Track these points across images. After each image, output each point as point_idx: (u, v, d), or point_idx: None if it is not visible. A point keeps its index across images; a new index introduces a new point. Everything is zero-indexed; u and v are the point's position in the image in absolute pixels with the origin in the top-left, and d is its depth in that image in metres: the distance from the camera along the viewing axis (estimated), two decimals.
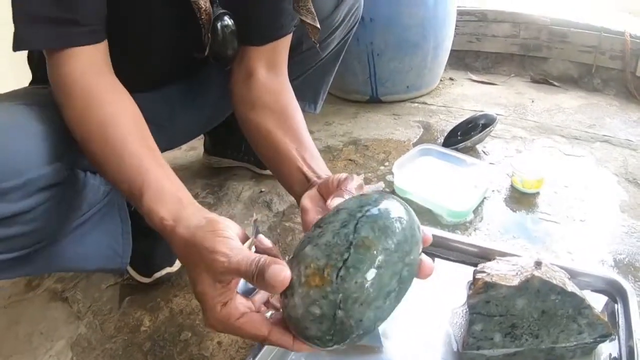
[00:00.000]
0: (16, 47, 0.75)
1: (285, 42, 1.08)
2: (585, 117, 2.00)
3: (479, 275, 0.86)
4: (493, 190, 1.45)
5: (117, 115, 0.77)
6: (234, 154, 1.70)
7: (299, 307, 0.54)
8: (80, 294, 1.28)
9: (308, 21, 1.03)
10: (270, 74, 1.06)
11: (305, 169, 0.89)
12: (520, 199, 1.42)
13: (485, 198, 1.40)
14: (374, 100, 2.18)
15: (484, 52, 2.66)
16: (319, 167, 0.90)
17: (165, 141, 1.19)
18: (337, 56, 1.45)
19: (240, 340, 1.07)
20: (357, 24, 1.43)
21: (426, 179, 1.43)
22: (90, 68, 0.78)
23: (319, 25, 1.04)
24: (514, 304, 0.82)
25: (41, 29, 0.73)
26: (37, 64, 1.06)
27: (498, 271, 0.86)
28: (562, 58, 2.49)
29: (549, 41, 2.51)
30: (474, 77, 2.49)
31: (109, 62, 0.83)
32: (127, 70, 0.90)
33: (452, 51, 2.33)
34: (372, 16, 1.94)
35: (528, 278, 0.81)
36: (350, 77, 2.13)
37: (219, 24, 0.97)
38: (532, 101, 2.16)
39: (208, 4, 0.92)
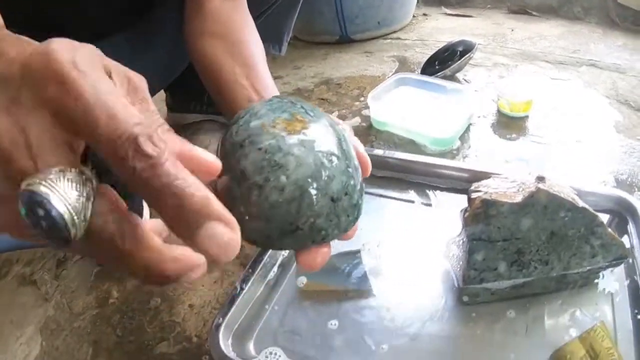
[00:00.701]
0: None
1: None
2: (568, 43, 1.89)
3: (474, 195, 0.74)
4: (478, 117, 1.34)
5: None
6: (197, 107, 1.56)
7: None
8: (48, 274, 1.17)
9: None
10: (225, 1, 0.91)
11: (251, 92, 0.75)
12: (509, 123, 1.31)
13: (470, 124, 1.29)
14: (344, 40, 2.05)
15: None
16: (267, 90, 0.77)
17: None
18: None
19: (214, 300, 0.97)
20: None
21: (405, 108, 1.30)
22: None
23: None
24: (518, 225, 0.71)
25: None
26: None
27: (496, 189, 0.74)
28: None
29: None
30: (448, 11, 2.37)
31: None
32: (62, 16, 0.81)
33: None
34: None
35: (532, 192, 0.69)
36: (317, 16, 1.99)
37: None
38: (512, 30, 2.05)
39: None
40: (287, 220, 0.41)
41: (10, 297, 1.14)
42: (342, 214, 0.44)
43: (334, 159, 0.43)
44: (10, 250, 1.03)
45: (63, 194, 0.28)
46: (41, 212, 0.27)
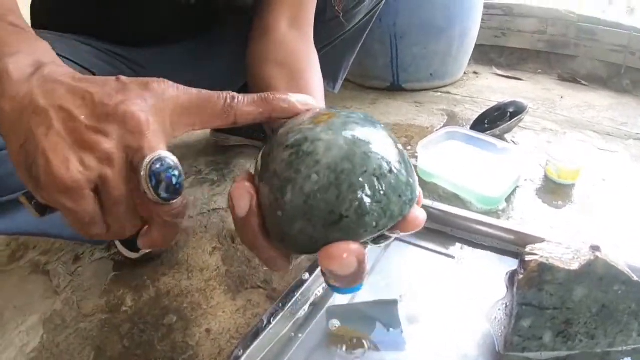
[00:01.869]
0: None
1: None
2: (616, 114, 1.89)
3: (529, 258, 0.73)
4: (525, 180, 1.33)
5: None
6: (242, 130, 1.58)
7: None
8: (63, 267, 1.18)
9: None
10: (291, 30, 0.93)
11: None
12: (556, 189, 1.30)
13: (517, 187, 1.29)
14: (395, 88, 2.08)
15: (510, 47, 2.57)
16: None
17: None
18: (361, 32, 1.34)
19: (233, 329, 0.96)
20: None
21: (453, 162, 1.31)
22: None
23: None
24: (571, 294, 0.70)
25: None
26: (38, 10, 0.99)
27: (551, 253, 0.74)
28: (590, 57, 2.41)
29: (577, 39, 2.43)
30: (499, 72, 2.39)
31: None
32: (126, 22, 0.88)
33: (476, 45, 2.24)
34: None
35: (591, 261, 0.69)
36: (370, 60, 2.03)
37: None
38: (561, 97, 2.06)
39: None
40: (328, 209, 0.38)
41: (19, 283, 1.15)
42: (392, 194, 0.39)
43: (369, 137, 0.41)
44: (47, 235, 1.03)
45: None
46: (172, 173, 0.39)
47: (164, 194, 0.39)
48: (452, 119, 1.76)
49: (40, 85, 0.41)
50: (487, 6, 2.36)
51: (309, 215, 0.38)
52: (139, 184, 0.38)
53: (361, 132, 0.41)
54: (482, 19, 2.19)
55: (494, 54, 2.57)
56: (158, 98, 0.41)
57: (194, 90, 0.44)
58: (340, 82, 1.42)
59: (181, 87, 0.43)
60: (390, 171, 0.39)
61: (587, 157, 1.47)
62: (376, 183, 0.38)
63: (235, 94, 0.45)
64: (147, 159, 0.38)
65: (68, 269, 1.17)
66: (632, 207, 1.24)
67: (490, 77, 2.31)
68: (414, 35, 1.94)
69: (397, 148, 0.42)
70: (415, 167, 1.36)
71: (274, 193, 0.40)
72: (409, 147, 1.52)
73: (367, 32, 1.36)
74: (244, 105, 0.45)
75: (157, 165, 0.38)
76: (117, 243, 1.17)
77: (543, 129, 1.69)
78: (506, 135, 1.58)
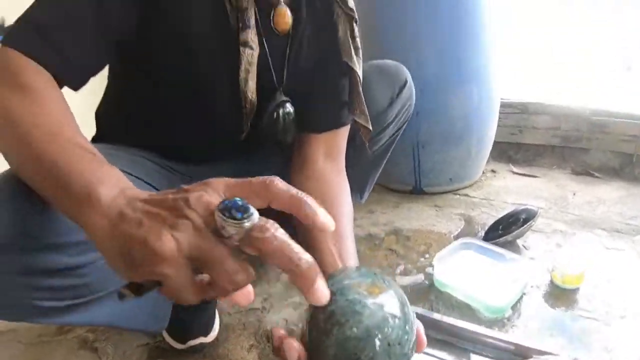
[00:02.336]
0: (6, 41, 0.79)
1: (344, 132, 1.18)
2: (626, 208, 2.02)
3: None
4: (532, 286, 1.46)
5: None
6: None
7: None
8: (111, 347, 1.31)
9: (361, 122, 1.14)
10: (327, 162, 1.15)
11: (332, 253, 0.94)
12: (560, 295, 1.43)
13: (524, 294, 1.42)
14: (417, 191, 2.23)
15: (526, 144, 2.70)
16: (348, 256, 0.96)
17: None
18: (386, 150, 1.53)
19: None
20: (409, 120, 1.52)
21: (466, 273, 1.46)
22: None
23: (370, 127, 1.15)
24: None
25: (35, 39, 0.79)
26: (102, 118, 1.17)
27: None
28: (602, 149, 2.53)
29: (589, 132, 2.55)
30: (515, 170, 2.53)
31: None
32: (178, 141, 1.06)
33: (494, 143, 2.38)
34: (418, 109, 2.02)
35: None
36: (395, 167, 2.19)
37: (280, 111, 1.08)
38: (574, 194, 2.18)
39: (254, 96, 1.02)
40: (354, 351, 0.58)
41: (66, 356, 1.27)
42: (393, 358, 0.59)
43: (396, 319, 0.61)
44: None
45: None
46: (237, 201, 0.51)
47: (237, 214, 0.50)
48: (468, 224, 1.91)
49: (126, 203, 0.55)
50: (503, 105, 2.51)
51: (342, 348, 0.59)
52: (218, 229, 0.51)
53: (393, 312, 0.62)
54: (499, 117, 2.35)
55: (511, 150, 2.72)
56: (214, 183, 0.56)
57: (241, 179, 0.59)
58: (367, 194, 1.60)
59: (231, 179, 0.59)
60: (399, 344, 0.60)
61: (593, 258, 1.60)
62: (388, 349, 0.59)
63: (276, 179, 0.58)
64: (217, 207, 0.51)
65: (116, 350, 1.30)
66: (630, 308, 1.36)
67: (507, 176, 2.45)
68: (435, 144, 2.12)
69: (411, 327, 0.63)
70: (431, 275, 1.51)
71: (326, 324, 0.60)
72: (427, 255, 1.67)
73: (391, 151, 1.55)
74: (279, 191, 0.57)
75: (224, 203, 0.51)
76: (165, 333, 1.28)
77: (553, 230, 1.82)
78: (518, 241, 1.72)
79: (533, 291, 1.45)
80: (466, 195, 2.22)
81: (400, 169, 2.20)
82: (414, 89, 1.46)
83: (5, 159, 0.70)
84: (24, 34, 0.79)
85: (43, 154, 0.64)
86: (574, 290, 1.44)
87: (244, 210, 0.50)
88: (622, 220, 1.90)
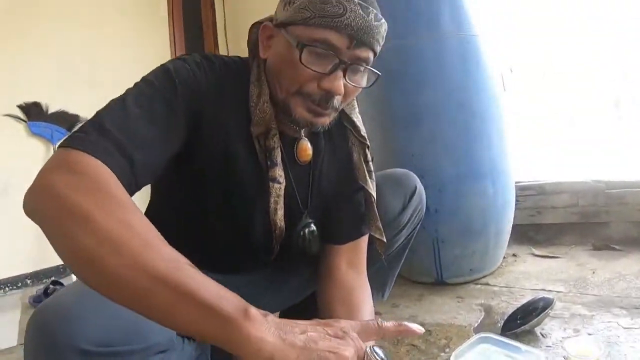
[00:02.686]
0: (70, 143, 0.82)
1: (364, 241, 1.33)
2: None
3: None
4: None
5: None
6: None
7: None
8: None
9: (377, 236, 1.29)
10: (349, 270, 1.29)
11: None
12: None
13: None
14: (439, 283, 2.30)
15: (545, 224, 2.76)
16: None
17: None
18: (403, 250, 1.63)
19: None
20: (421, 222, 1.61)
21: None
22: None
23: (385, 239, 1.30)
24: None
25: (102, 144, 0.83)
26: (157, 186, 1.26)
27: None
28: (621, 220, 2.58)
29: (606, 205, 2.61)
30: (536, 252, 2.58)
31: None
32: (216, 257, 1.15)
33: (514, 225, 2.44)
34: (437, 207, 2.14)
35: None
36: (417, 261, 2.28)
37: (306, 230, 1.24)
38: (593, 272, 2.22)
39: (283, 223, 1.17)
40: None
41: None
42: None
43: None
44: None
45: None
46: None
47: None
48: (488, 315, 1.96)
49: (274, 320, 0.70)
50: (520, 188, 2.59)
51: None
52: None
53: None
54: (517, 200, 2.44)
55: (531, 232, 2.78)
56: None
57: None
58: (388, 292, 1.70)
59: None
60: None
61: (610, 340, 1.63)
62: None
63: (379, 319, 0.80)
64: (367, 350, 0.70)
65: None
66: None
67: (527, 260, 2.51)
68: (454, 239, 2.22)
69: None
70: None
71: None
72: (447, 350, 1.71)
73: (407, 250, 1.64)
74: (389, 329, 0.79)
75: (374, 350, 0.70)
76: None
77: (572, 315, 1.85)
78: (536, 329, 1.76)
79: None
80: (487, 284, 2.28)
81: (422, 262, 2.28)
82: (424, 194, 1.58)
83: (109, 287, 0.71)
84: (103, 143, 0.84)
85: (170, 280, 0.68)
86: None
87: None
88: None
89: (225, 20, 4.49)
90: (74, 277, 2.90)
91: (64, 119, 3.23)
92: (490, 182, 2.21)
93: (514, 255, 2.57)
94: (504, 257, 2.48)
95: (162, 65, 1.03)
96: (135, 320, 0.74)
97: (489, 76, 2.21)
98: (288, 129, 1.16)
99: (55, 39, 3.28)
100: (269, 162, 1.12)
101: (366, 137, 1.27)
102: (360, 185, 1.27)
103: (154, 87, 0.98)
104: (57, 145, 0.87)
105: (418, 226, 1.61)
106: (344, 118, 1.26)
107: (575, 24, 2.80)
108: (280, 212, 1.16)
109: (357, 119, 1.27)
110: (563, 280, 2.18)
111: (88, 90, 3.29)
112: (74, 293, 0.85)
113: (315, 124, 1.09)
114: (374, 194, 1.27)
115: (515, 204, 2.43)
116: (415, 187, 1.53)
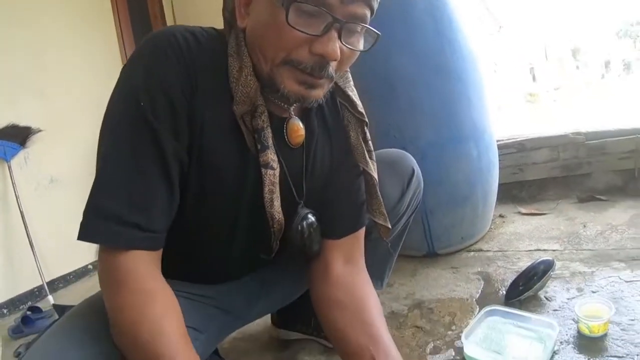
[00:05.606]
0: (81, 236, 0.86)
1: (361, 234, 1.21)
2: (639, 230, 2.05)
3: None
4: (561, 342, 1.47)
5: (165, 316, 0.88)
6: (302, 328, 1.73)
7: None
8: None
9: (380, 222, 1.17)
10: (347, 266, 1.17)
11: None
12: (590, 345, 1.43)
13: (554, 353, 1.43)
14: (431, 255, 2.26)
15: (528, 180, 2.74)
16: None
17: (241, 324, 1.37)
18: (400, 236, 1.57)
19: None
20: (419, 205, 1.55)
21: (494, 342, 1.46)
22: (142, 268, 0.89)
23: (390, 226, 1.18)
24: None
25: (108, 225, 0.85)
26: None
27: None
28: (603, 170, 2.57)
29: (588, 157, 2.60)
30: (523, 210, 2.56)
31: (159, 266, 0.94)
32: (207, 266, 1.09)
33: (497, 185, 2.40)
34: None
35: None
36: (407, 235, 2.22)
37: (304, 223, 1.10)
38: (584, 226, 2.21)
39: (281, 216, 1.04)
40: None
41: None
42: None
43: None
44: None
45: None
46: None
47: None
48: (487, 283, 1.92)
49: None
50: (500, 147, 2.55)
51: None
52: None
53: None
54: (499, 160, 2.40)
55: (515, 189, 2.76)
56: None
57: None
58: (386, 280, 1.62)
59: None
60: None
61: (615, 296, 1.60)
62: None
63: None
64: None
65: None
66: None
67: (515, 219, 2.48)
68: (442, 209, 2.17)
69: None
70: (461, 349, 1.51)
71: None
72: (453, 327, 1.67)
73: (405, 235, 1.59)
74: None
75: None
76: None
77: (572, 273, 1.83)
78: (540, 293, 1.73)
79: (563, 348, 1.45)
80: (480, 250, 2.25)
81: (412, 236, 2.22)
82: (421, 175, 1.50)
83: None
84: (103, 226, 0.86)
85: None
86: (603, 337, 1.44)
87: None
88: (636, 246, 1.92)
89: (173, 8, 4.32)
90: (50, 299, 2.81)
91: (16, 133, 2.99)
92: (474, 144, 2.15)
93: (500, 216, 2.54)
94: (492, 220, 2.44)
95: (130, 96, 0.90)
96: None
97: (464, 36, 2.13)
98: (275, 108, 1.01)
99: None
100: (259, 146, 0.97)
101: (364, 113, 1.12)
102: (359, 169, 1.14)
103: (131, 140, 0.89)
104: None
105: (416, 210, 1.55)
106: (337, 93, 1.11)
107: None
108: (277, 204, 1.02)
109: (353, 93, 1.12)
110: (556, 238, 2.16)
111: (36, 99, 3.08)
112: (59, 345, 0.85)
113: (308, 97, 0.94)
114: (375, 176, 1.14)
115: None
116: (413, 170, 1.45)
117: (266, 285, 1.35)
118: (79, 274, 3.18)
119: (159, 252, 0.93)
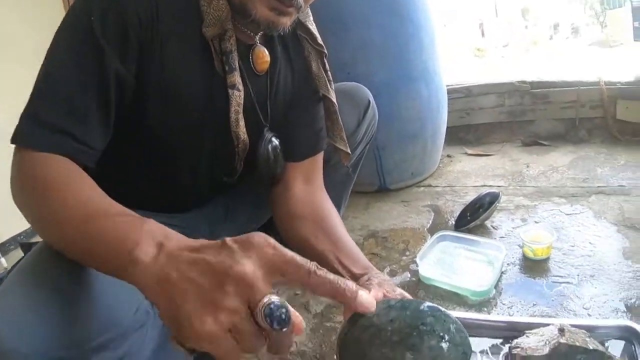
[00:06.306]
0: (14, 140, 0.83)
1: (320, 157, 1.25)
2: (577, 171, 2.19)
3: (515, 351, 1.00)
4: (508, 264, 1.59)
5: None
6: None
7: None
8: None
9: (341, 147, 1.23)
10: (306, 186, 1.22)
11: (340, 269, 1.03)
12: (534, 267, 1.56)
13: (502, 273, 1.55)
14: (382, 189, 2.35)
15: (475, 124, 2.85)
16: (354, 263, 1.04)
17: None
18: (356, 166, 1.62)
19: None
20: (374, 135, 1.60)
21: (447, 264, 1.58)
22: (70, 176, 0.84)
23: (349, 151, 1.24)
24: None
25: (42, 132, 0.82)
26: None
27: (529, 344, 1.00)
28: (547, 118, 2.69)
29: (532, 104, 2.71)
30: (469, 151, 2.66)
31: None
32: (173, 193, 1.10)
33: (446, 127, 2.50)
34: None
35: (556, 346, 0.95)
36: (360, 170, 2.30)
37: (269, 146, 1.13)
38: (527, 166, 2.33)
39: (246, 136, 1.06)
40: None
41: None
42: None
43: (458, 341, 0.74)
44: None
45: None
46: (281, 312, 0.55)
47: (276, 326, 0.55)
48: (437, 215, 2.03)
49: (167, 262, 0.59)
50: (449, 91, 2.63)
51: None
52: (259, 321, 0.56)
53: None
54: (448, 104, 2.48)
55: (462, 132, 2.86)
56: (259, 251, 0.58)
57: (287, 253, 0.60)
58: (343, 210, 1.67)
59: (277, 245, 0.60)
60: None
61: (556, 226, 1.74)
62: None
63: (318, 267, 0.61)
64: (260, 304, 0.56)
65: None
66: (596, 266, 1.51)
67: (462, 159, 2.59)
68: (394, 145, 2.24)
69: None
70: (416, 272, 1.62)
71: None
72: (407, 253, 1.77)
73: (360, 166, 1.64)
74: (320, 281, 0.61)
75: (269, 308, 0.55)
76: None
77: (516, 206, 1.96)
78: (486, 222, 1.85)
79: (510, 269, 1.57)
80: (429, 185, 2.35)
81: (364, 171, 2.29)
82: (376, 108, 1.55)
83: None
84: (39, 132, 0.83)
85: (83, 237, 0.70)
86: (546, 260, 1.57)
87: (284, 323, 0.56)
88: (575, 184, 2.06)
89: None
90: (3, 262, 2.70)
91: None
92: (424, 85, 2.22)
93: (448, 156, 2.64)
94: (440, 159, 2.55)
95: (83, 13, 0.88)
96: (108, 306, 0.78)
97: None
98: (242, 35, 1.03)
99: None
100: (226, 67, 0.99)
101: (323, 45, 1.17)
102: (319, 96, 1.19)
103: (77, 52, 0.88)
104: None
105: (371, 140, 1.61)
106: (298, 27, 1.14)
107: None
108: (242, 124, 1.04)
109: (313, 27, 1.16)
110: (501, 176, 2.28)
111: None
112: (22, 294, 0.74)
113: (277, 24, 0.95)
114: (335, 102, 1.19)
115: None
116: (369, 102, 1.50)
117: (230, 211, 1.37)
118: (29, 234, 3.10)
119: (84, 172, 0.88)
